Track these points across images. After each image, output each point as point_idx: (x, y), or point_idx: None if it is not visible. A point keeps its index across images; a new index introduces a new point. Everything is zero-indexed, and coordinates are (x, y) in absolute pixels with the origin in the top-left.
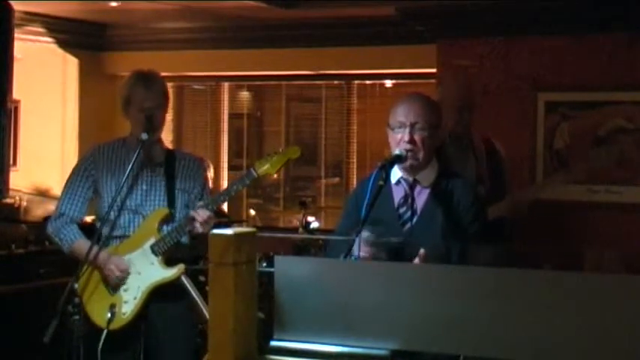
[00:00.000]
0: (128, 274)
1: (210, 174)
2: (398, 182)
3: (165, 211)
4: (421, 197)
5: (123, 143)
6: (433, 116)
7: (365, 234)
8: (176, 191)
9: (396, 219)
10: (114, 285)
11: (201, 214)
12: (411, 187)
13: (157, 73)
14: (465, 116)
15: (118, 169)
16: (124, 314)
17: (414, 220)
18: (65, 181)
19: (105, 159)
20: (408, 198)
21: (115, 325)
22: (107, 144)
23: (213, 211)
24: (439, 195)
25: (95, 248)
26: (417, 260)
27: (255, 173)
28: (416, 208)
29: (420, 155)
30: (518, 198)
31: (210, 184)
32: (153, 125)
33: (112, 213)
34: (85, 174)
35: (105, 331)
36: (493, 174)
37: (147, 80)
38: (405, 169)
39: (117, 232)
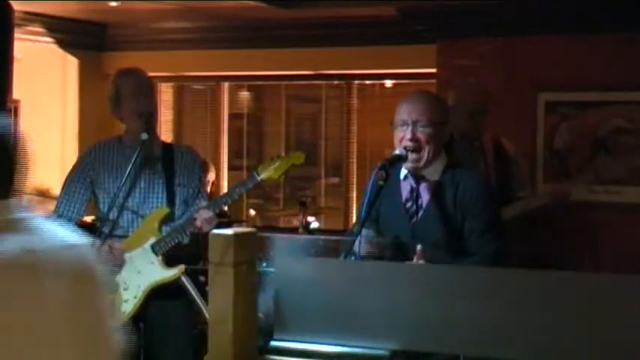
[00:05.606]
0: (124, 260)
1: (212, 177)
2: (405, 177)
3: (165, 211)
4: (427, 191)
5: (119, 142)
6: (437, 113)
7: (366, 233)
8: (175, 187)
9: (404, 214)
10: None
11: (203, 214)
12: (417, 182)
13: (142, 69)
14: (476, 120)
15: (116, 168)
16: (122, 313)
17: (420, 214)
18: (63, 182)
19: (102, 158)
20: (414, 193)
21: None
22: (103, 143)
23: (216, 213)
24: (443, 187)
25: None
26: (414, 258)
27: (257, 177)
28: (421, 202)
29: (425, 152)
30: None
31: (210, 187)
32: (152, 124)
33: (112, 213)
34: (82, 175)
35: None
36: (501, 176)
37: (135, 77)
38: (409, 167)
39: (117, 232)
